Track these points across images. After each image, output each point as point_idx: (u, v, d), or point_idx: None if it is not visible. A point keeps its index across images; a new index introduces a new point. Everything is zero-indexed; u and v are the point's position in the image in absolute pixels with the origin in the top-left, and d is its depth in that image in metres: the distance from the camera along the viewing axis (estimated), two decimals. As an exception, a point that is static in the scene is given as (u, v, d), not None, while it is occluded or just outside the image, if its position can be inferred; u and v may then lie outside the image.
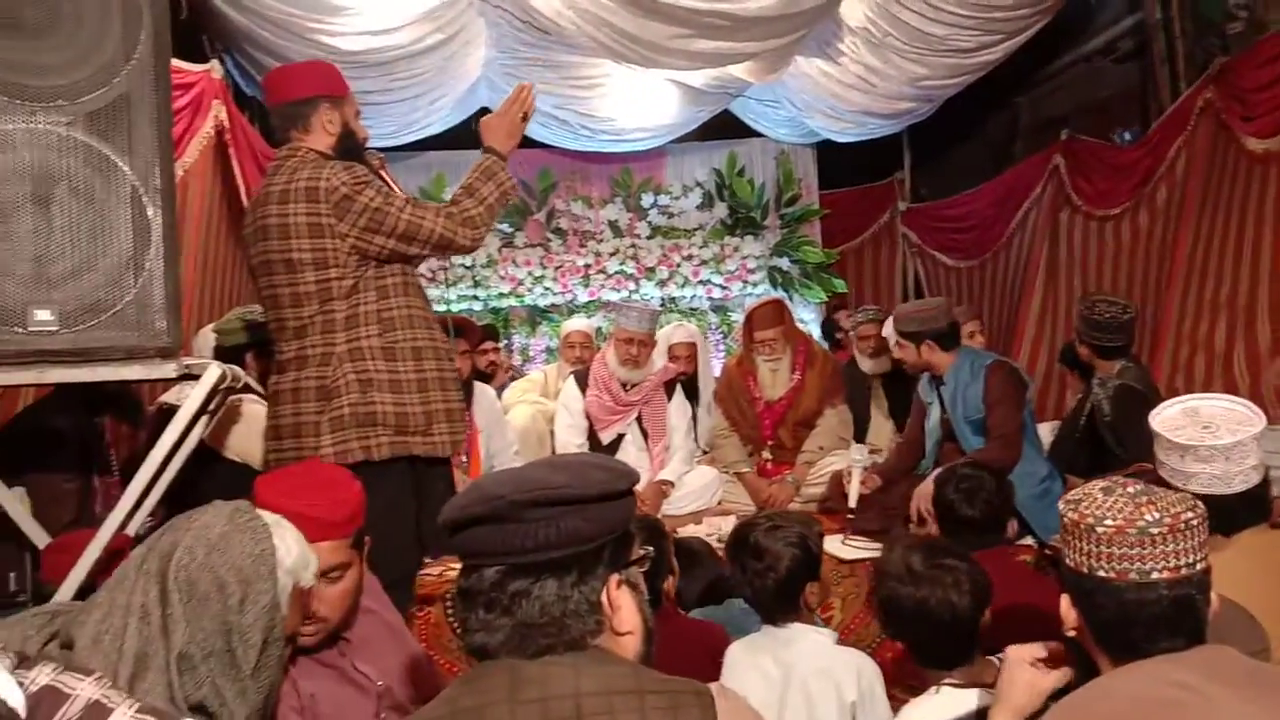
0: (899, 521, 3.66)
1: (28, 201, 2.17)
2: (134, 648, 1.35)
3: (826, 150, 7.27)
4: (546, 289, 7.06)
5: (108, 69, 2.24)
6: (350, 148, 2.62)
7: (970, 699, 1.82)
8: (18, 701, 1.18)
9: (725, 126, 6.95)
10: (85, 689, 1.33)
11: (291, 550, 1.58)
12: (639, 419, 4.47)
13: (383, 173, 2.69)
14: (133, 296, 2.27)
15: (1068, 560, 1.37)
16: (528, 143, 6.75)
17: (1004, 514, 2.56)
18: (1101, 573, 1.31)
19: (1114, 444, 3.72)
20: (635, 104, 5.94)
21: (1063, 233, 5.96)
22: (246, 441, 3.23)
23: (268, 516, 1.55)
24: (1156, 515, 1.31)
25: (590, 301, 7.11)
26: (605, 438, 4.42)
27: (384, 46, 4.67)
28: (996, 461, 3.47)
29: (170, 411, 3.79)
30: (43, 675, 1.31)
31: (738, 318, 7.17)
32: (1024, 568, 2.54)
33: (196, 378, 2.42)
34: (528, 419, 4.55)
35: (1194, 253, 4.72)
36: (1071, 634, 1.41)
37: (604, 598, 1.18)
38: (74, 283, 2.22)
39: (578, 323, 5.40)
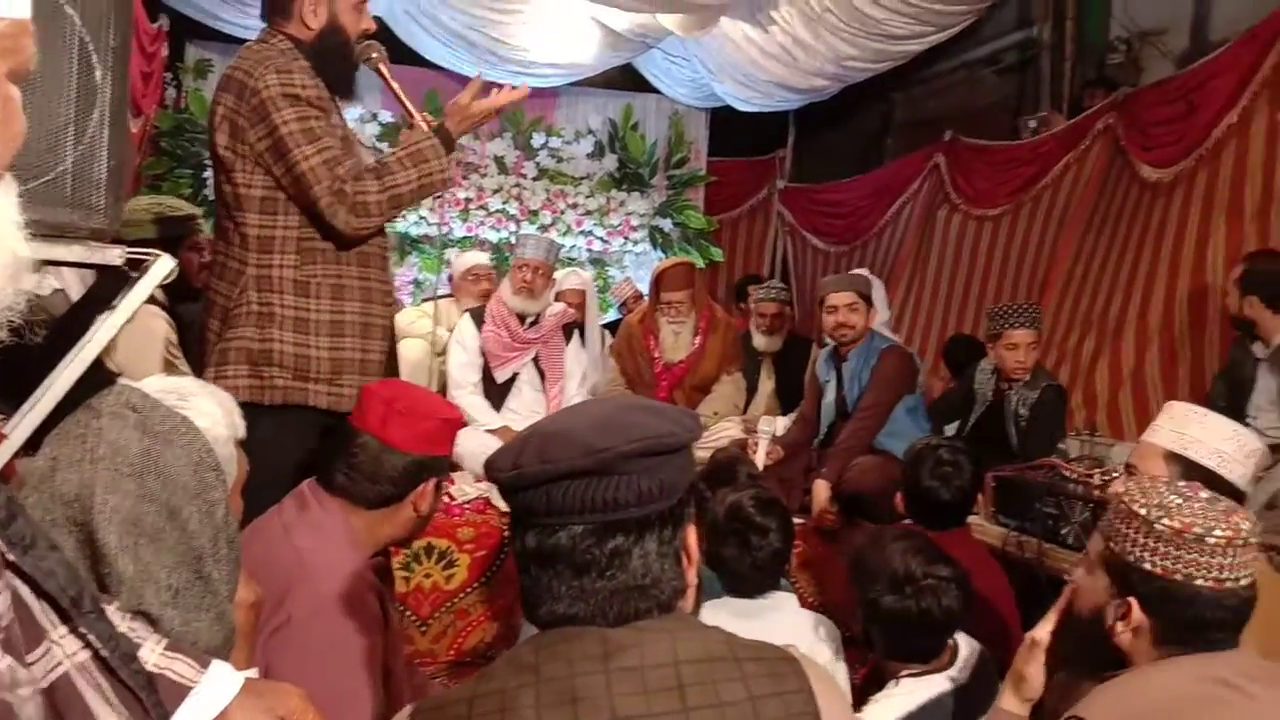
0: (797, 493, 3.72)
1: (-48, 37, 1.82)
2: None
3: (717, 116, 7.27)
4: (421, 218, 6.71)
5: (63, -106, 1.91)
6: (334, 45, 2.34)
7: (932, 685, 1.85)
8: None
9: (619, 78, 6.81)
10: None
11: (217, 417, 1.36)
12: (535, 360, 4.33)
13: (381, 67, 2.42)
14: (69, 166, 1.94)
15: (1149, 565, 1.35)
16: (418, 60, 6.48)
17: (973, 496, 2.59)
18: (1201, 580, 1.32)
19: (1013, 435, 3.82)
20: (551, 38, 5.72)
21: (938, 229, 6.15)
22: (128, 352, 2.93)
23: (165, 393, 1.31)
24: (1248, 525, 1.34)
25: (466, 238, 6.83)
26: (500, 376, 4.24)
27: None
28: (854, 438, 3.59)
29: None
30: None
31: (615, 274, 7.09)
32: (981, 549, 2.60)
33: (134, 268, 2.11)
34: (420, 353, 4.32)
35: (1074, 266, 4.97)
36: (1125, 636, 1.39)
37: (683, 552, 1.10)
38: None
39: (479, 255, 5.15)
